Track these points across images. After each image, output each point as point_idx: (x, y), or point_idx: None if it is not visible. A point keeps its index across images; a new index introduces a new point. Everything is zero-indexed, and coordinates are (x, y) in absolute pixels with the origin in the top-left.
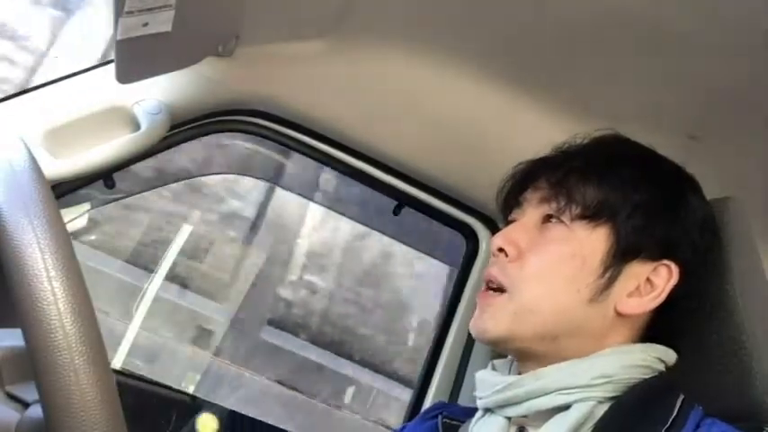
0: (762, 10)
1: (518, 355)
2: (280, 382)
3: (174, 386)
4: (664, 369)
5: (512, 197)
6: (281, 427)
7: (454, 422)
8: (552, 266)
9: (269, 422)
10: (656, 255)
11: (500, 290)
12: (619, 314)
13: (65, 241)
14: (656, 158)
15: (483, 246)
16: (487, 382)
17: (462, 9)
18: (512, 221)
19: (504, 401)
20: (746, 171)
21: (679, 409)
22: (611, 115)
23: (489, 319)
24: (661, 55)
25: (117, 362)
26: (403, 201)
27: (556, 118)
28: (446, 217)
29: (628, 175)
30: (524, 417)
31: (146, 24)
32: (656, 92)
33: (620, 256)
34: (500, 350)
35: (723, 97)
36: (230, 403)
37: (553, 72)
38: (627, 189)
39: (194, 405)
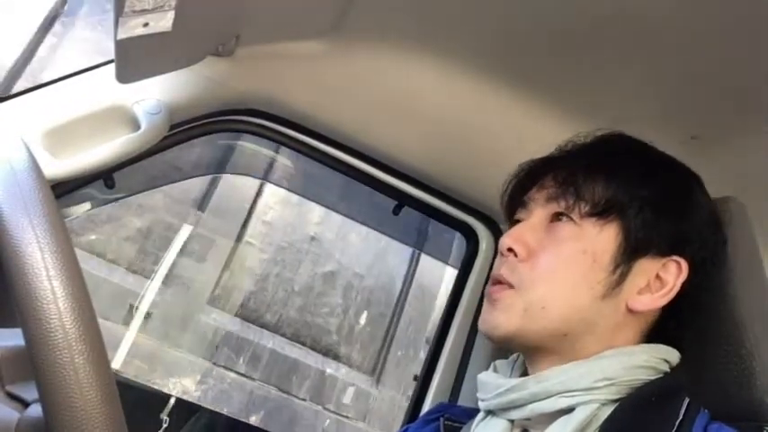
0: (763, 10)
1: (528, 352)
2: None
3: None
4: (668, 369)
5: (517, 197)
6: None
7: (456, 424)
8: (564, 265)
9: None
10: (665, 251)
11: (510, 286)
12: (630, 311)
13: (65, 241)
14: (661, 156)
15: (483, 246)
16: (490, 385)
17: (462, 9)
18: (516, 221)
19: (507, 404)
20: (747, 171)
21: (685, 413)
22: (612, 115)
23: (500, 314)
24: (662, 55)
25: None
26: (403, 201)
27: (556, 118)
28: (446, 217)
29: (635, 171)
30: (527, 419)
31: (146, 24)
32: (658, 92)
33: (630, 253)
34: (510, 347)
35: (724, 97)
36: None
37: (553, 72)
38: (634, 185)
39: (190, 407)
